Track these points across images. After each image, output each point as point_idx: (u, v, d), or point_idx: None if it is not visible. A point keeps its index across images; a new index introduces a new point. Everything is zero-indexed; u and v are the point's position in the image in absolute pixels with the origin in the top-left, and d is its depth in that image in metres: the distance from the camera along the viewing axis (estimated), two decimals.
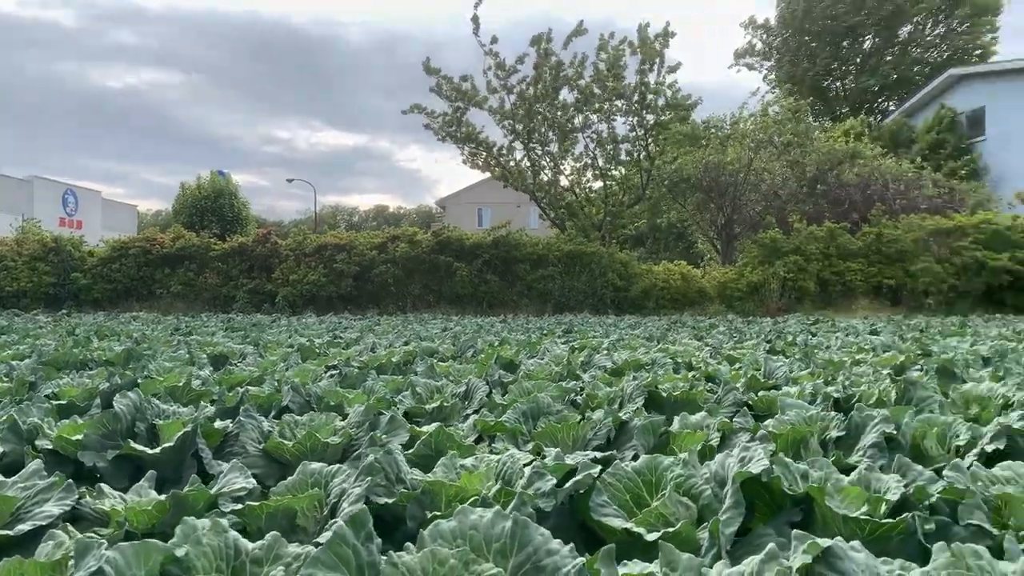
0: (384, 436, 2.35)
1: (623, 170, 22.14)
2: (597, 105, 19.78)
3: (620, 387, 3.61)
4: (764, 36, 39.51)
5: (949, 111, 26.58)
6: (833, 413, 2.67)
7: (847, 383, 4.03)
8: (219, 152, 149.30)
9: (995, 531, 1.61)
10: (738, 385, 4.09)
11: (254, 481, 1.82)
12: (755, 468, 1.66)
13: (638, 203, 22.52)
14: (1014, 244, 17.04)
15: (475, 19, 19.59)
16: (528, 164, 21.29)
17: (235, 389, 3.59)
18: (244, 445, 2.24)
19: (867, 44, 36.72)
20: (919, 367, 4.93)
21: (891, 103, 36.43)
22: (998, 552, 1.48)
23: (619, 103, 19.98)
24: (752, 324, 12.80)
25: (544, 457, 1.99)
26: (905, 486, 1.75)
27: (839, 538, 1.31)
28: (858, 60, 37.13)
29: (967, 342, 7.68)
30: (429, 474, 1.81)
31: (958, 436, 2.53)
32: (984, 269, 16.73)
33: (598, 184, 22.10)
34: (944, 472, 1.81)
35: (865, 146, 23.39)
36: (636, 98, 19.69)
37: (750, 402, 3.53)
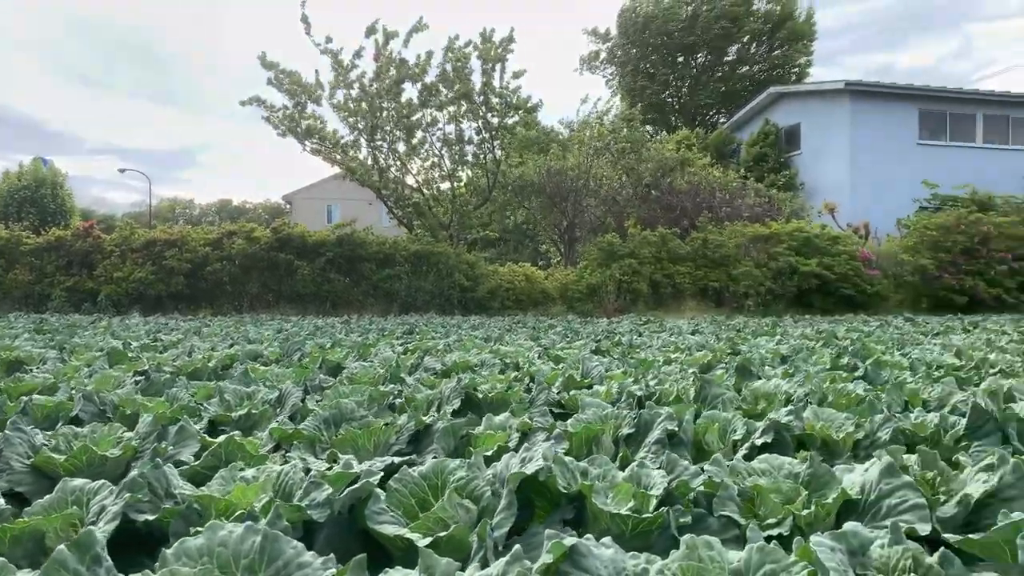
0: (171, 447, 2.25)
1: (470, 172, 22.34)
2: (440, 101, 19.84)
3: (439, 389, 3.64)
4: (606, 46, 41.18)
5: (772, 126, 28.74)
6: (627, 411, 2.82)
7: (654, 381, 4.28)
8: (43, 138, 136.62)
9: (742, 521, 1.76)
10: (556, 385, 4.25)
11: (1, 501, 1.68)
12: (529, 468, 1.73)
13: (484, 205, 22.79)
14: (821, 251, 18.69)
15: (304, 19, 19.23)
16: (372, 161, 21.03)
17: (20, 399, 3.30)
18: (8, 461, 2.07)
19: (699, 60, 39.10)
20: (723, 365, 5.31)
21: (720, 116, 38.94)
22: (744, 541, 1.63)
23: (465, 105, 20.16)
24: (588, 324, 13.28)
25: (334, 466, 1.97)
26: (670, 481, 1.88)
27: (589, 536, 1.39)
28: (691, 75, 39.44)
29: (773, 341, 8.34)
30: (203, 488, 1.75)
31: (736, 431, 2.74)
32: (796, 273, 18.24)
33: (446, 185, 22.19)
34: (704, 466, 1.96)
35: (694, 155, 24.89)
36: (481, 100, 19.94)
37: (563, 401, 3.67)
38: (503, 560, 1.22)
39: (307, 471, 2.03)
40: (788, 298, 18.40)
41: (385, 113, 20.20)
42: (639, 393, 3.69)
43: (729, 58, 39.21)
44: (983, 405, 2.97)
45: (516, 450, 2.59)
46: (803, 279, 18.18)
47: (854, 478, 1.97)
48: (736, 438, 2.68)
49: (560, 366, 5.18)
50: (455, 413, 3.37)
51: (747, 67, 39.24)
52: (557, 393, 3.79)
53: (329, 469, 2.01)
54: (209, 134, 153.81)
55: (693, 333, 10.43)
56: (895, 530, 1.49)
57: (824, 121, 26.29)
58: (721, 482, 1.85)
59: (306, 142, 20.47)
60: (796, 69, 38.94)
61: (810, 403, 3.59)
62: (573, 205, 22.52)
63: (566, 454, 2.48)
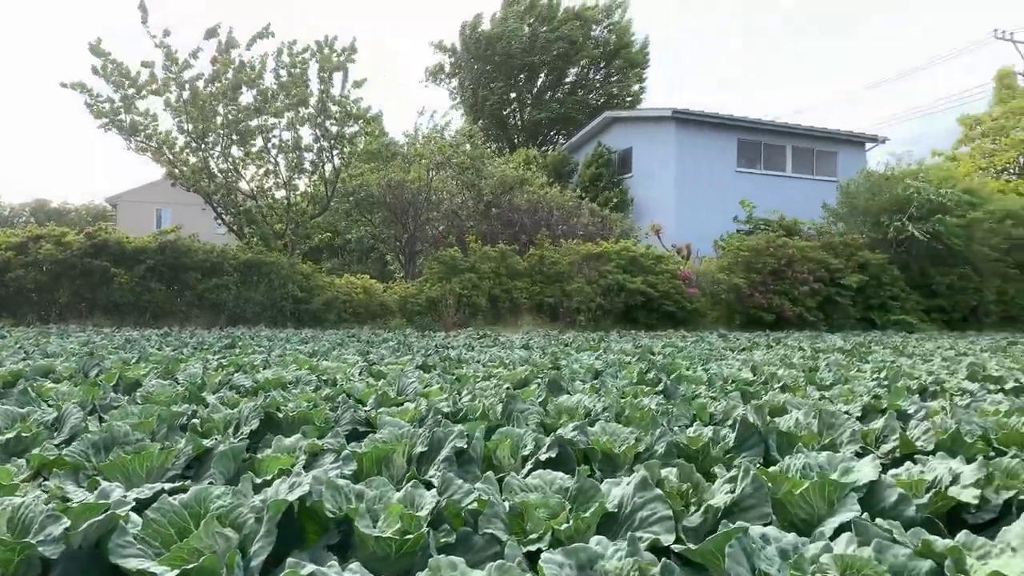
0: None
1: (308, 180, 21.81)
2: (275, 108, 19.29)
3: (239, 409, 3.53)
4: (451, 59, 41.63)
5: (604, 149, 30.09)
6: (423, 429, 2.86)
7: (467, 397, 4.36)
8: None
9: (504, 537, 1.83)
10: (369, 402, 4.23)
11: None
12: (293, 495, 1.72)
13: (323, 215, 22.31)
14: (646, 269, 19.75)
15: (142, 7, 18.13)
16: (203, 165, 20.06)
17: None
18: None
19: (540, 81, 40.35)
20: (539, 380, 5.49)
21: (560, 136, 40.32)
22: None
23: (303, 112, 19.72)
24: (425, 339, 13.30)
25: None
26: (441, 501, 1.93)
27: (333, 559, 1.40)
28: (532, 94, 40.61)
29: (594, 356, 8.72)
30: None
31: (526, 446, 2.86)
32: (623, 290, 19.16)
33: (282, 193, 21.51)
34: (476, 484, 2.03)
35: (534, 175, 25.62)
36: (319, 108, 19.59)
37: (370, 419, 3.66)
38: None
39: (65, 500, 1.91)
40: (616, 314, 19.28)
41: (220, 118, 19.37)
42: (447, 410, 3.75)
43: (569, 80, 40.71)
44: (750, 419, 3.26)
45: (307, 471, 2.58)
46: (630, 296, 19.12)
47: (617, 492, 2.11)
48: (525, 453, 2.79)
49: (379, 383, 5.16)
50: (253, 435, 3.28)
51: (585, 91, 40.92)
52: (366, 412, 3.77)
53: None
54: (19, 124, 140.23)
55: (524, 347, 10.70)
56: (632, 542, 1.61)
57: (653, 146, 27.87)
58: (488, 500, 1.92)
59: (131, 139, 19.21)
60: (631, 95, 41.07)
61: (605, 417, 3.80)
62: (414, 218, 22.50)
63: (355, 475, 2.48)
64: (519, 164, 27.15)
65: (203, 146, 19.74)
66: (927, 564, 1.60)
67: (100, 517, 1.58)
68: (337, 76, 19.79)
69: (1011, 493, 2.42)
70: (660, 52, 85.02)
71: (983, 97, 34.62)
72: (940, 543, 1.65)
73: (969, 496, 2.35)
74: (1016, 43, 36.11)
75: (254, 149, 20.18)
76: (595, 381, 5.58)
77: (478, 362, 7.68)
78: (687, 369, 6.74)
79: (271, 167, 20.77)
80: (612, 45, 39.47)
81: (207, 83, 19.03)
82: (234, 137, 19.73)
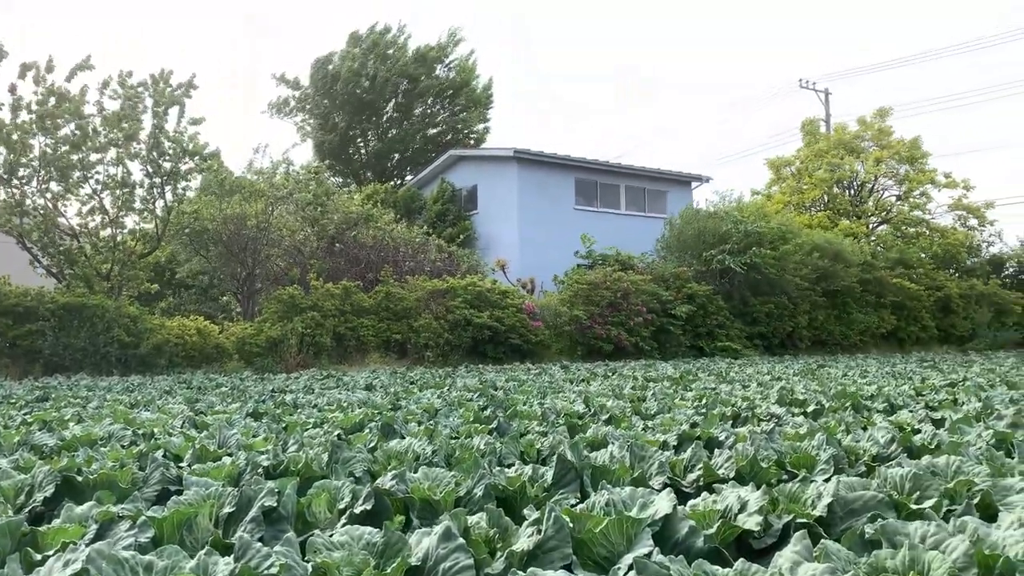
0: None
1: (137, 218, 20.55)
2: (98, 143, 18.16)
3: (32, 474, 3.26)
4: (296, 93, 40.82)
5: (448, 185, 30.46)
6: (231, 488, 2.76)
7: (294, 447, 4.24)
8: None
9: None
10: (187, 458, 4.02)
11: None
12: (65, 573, 1.62)
13: (152, 253, 21.07)
14: (492, 304, 20.05)
15: None
16: (14, 202, 18.46)
17: None
18: None
19: (385, 118, 40.32)
20: (374, 423, 5.43)
21: (407, 173, 40.38)
22: None
23: (134, 147, 18.68)
24: (263, 382, 12.79)
25: None
26: (237, 568, 1.87)
27: None
28: (380, 131, 40.50)
29: (437, 394, 8.73)
30: None
31: (343, 499, 2.82)
32: (470, 325, 19.34)
33: (108, 232, 20.12)
34: (275, 547, 1.99)
35: (379, 211, 25.46)
36: (151, 143, 18.65)
37: (183, 478, 3.48)
38: None
39: None
40: (464, 348, 19.39)
41: (35, 152, 17.96)
42: (267, 463, 3.63)
43: (415, 117, 40.98)
44: (567, 457, 3.39)
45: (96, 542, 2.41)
46: (477, 330, 19.32)
47: (423, 544, 2.13)
48: (342, 506, 2.76)
49: (201, 435, 4.92)
50: (48, 502, 3.04)
51: (431, 128, 41.30)
52: (179, 468, 3.59)
53: None
54: None
55: (367, 388, 10.53)
56: None
57: (497, 184, 28.50)
58: (287, 563, 1.89)
59: None
60: (475, 134, 41.86)
61: (434, 461, 3.82)
62: (252, 255, 21.70)
63: (155, 541, 2.35)
64: (365, 199, 26.91)
65: (14, 181, 18.19)
66: None
67: None
68: (173, 111, 18.95)
69: (790, 517, 2.66)
70: (504, 91, 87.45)
71: (794, 139, 38.14)
72: (710, 573, 1.78)
73: (753, 523, 2.56)
74: (817, 92, 40.20)
75: (73, 184, 18.80)
76: (431, 422, 5.59)
77: (314, 406, 7.49)
78: (524, 404, 6.90)
79: (96, 204, 19.43)
80: (455, 83, 40.16)
81: (12, 111, 17.64)
82: (52, 171, 18.32)
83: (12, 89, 17.50)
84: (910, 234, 33.99)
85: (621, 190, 29.71)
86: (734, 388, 8.90)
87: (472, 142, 40.17)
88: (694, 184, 31.70)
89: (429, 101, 40.69)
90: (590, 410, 6.44)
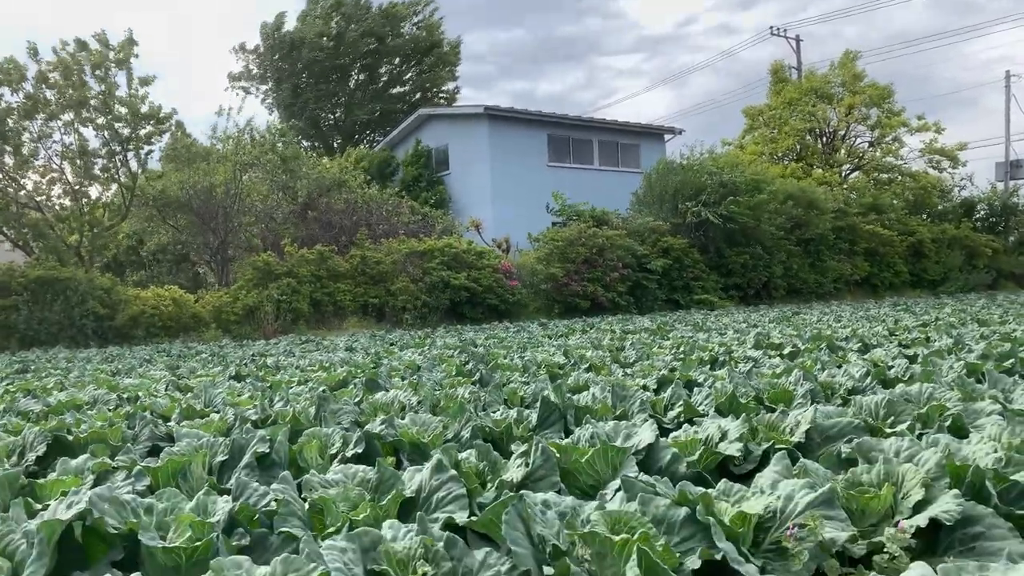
0: None
1: (101, 186, 20.19)
2: (51, 111, 17.74)
3: (23, 435, 3.27)
4: (257, 61, 39.91)
5: (424, 148, 30.12)
6: (224, 438, 2.80)
7: (280, 403, 4.28)
8: None
9: (301, 534, 1.85)
10: (174, 417, 4.04)
11: None
12: (68, 514, 1.65)
13: (120, 223, 20.76)
14: (469, 265, 20.05)
15: None
16: None
17: None
18: None
19: (353, 80, 39.66)
20: (358, 380, 5.47)
21: (377, 135, 39.86)
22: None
23: (85, 113, 18.24)
24: (242, 348, 12.78)
25: None
26: (236, 506, 1.92)
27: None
28: (347, 94, 39.85)
29: (418, 352, 8.79)
30: None
31: (334, 445, 2.87)
32: (448, 287, 19.34)
33: (70, 201, 19.77)
34: (272, 485, 2.04)
35: (351, 175, 25.17)
36: (103, 108, 18.21)
37: (172, 433, 3.51)
38: None
39: None
40: (443, 310, 19.42)
41: None
42: (254, 417, 3.67)
43: (382, 78, 40.34)
44: (551, 399, 3.46)
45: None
46: (455, 292, 19.33)
47: (416, 478, 2.19)
48: (333, 452, 2.81)
49: (185, 396, 4.94)
50: (40, 460, 3.06)
51: (399, 88, 40.70)
52: (168, 427, 3.61)
53: None
54: None
55: (347, 350, 10.57)
56: (421, 521, 1.69)
57: (468, 143, 28.25)
58: (284, 499, 1.93)
59: None
60: (445, 93, 41.38)
61: (420, 410, 3.88)
62: (224, 223, 21.43)
63: (150, 490, 2.39)
64: (344, 165, 26.57)
65: None
66: (683, 511, 1.80)
67: None
68: (121, 74, 18.49)
69: (769, 444, 2.76)
70: (476, 44, 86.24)
71: (763, 89, 37.92)
72: (694, 491, 1.86)
73: (734, 450, 2.65)
74: (788, 39, 39.97)
75: (28, 154, 18.38)
76: (413, 377, 5.65)
77: (297, 367, 7.52)
78: (504, 358, 6.97)
79: (56, 175, 19.05)
80: (422, 42, 39.51)
81: None
82: (5, 145, 17.89)
83: None
84: (883, 180, 34.25)
85: (594, 145, 29.61)
86: (711, 336, 9.04)
87: (443, 102, 39.72)
88: (667, 136, 31.66)
89: (396, 61, 40.03)
90: (570, 361, 6.52)
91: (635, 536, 1.55)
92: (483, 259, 20.54)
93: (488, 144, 27.10)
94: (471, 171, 28.02)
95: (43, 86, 17.81)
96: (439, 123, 30.16)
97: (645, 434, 2.51)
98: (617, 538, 1.55)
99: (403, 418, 3.37)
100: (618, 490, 2.14)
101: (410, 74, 40.70)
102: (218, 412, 3.98)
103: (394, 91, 40.41)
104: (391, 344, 11.38)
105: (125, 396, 5.14)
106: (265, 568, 1.46)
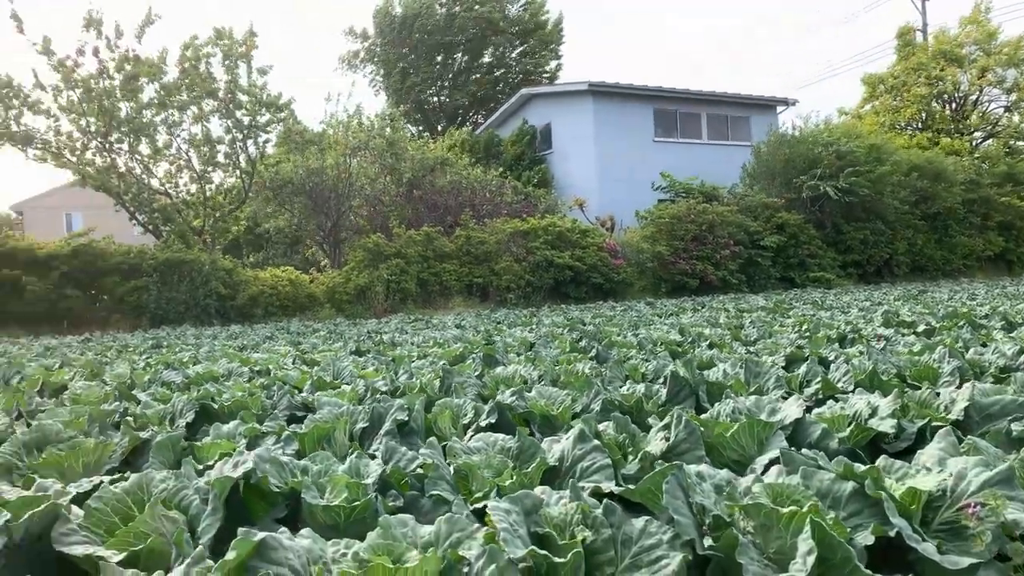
0: None
1: (223, 173, 21.23)
2: (182, 101, 18.72)
3: (172, 403, 3.46)
4: (365, 45, 40.89)
5: (529, 127, 30.13)
6: (363, 407, 2.87)
7: (404, 376, 4.37)
8: None
9: (451, 497, 1.87)
10: (305, 388, 4.19)
11: None
12: (238, 471, 1.72)
13: (240, 207, 21.78)
14: (573, 244, 19.97)
15: (15, 16, 17.34)
16: (111, 164, 19.30)
17: None
18: None
19: (458, 62, 40.07)
20: (475, 355, 5.53)
21: (479, 117, 40.19)
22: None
23: (210, 103, 19.17)
24: (356, 326, 13.18)
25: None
26: (387, 469, 1.96)
27: (284, 531, 1.42)
28: (451, 76, 40.31)
29: (526, 330, 8.82)
30: None
31: (466, 415, 2.90)
32: (552, 266, 19.34)
33: (196, 187, 20.89)
34: (420, 450, 2.07)
35: (456, 155, 25.47)
36: (228, 98, 19.09)
37: (308, 403, 3.64)
38: (185, 563, 1.22)
39: None
40: (546, 290, 19.45)
41: (123, 113, 18.64)
42: (384, 388, 3.76)
43: (486, 60, 40.58)
44: (681, 374, 3.38)
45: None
46: (558, 271, 19.31)
47: (557, 447, 2.17)
48: (466, 421, 2.84)
49: (313, 370, 5.11)
50: (189, 427, 3.23)
51: (502, 70, 40.84)
52: (303, 397, 3.75)
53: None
54: None
55: (457, 327, 10.73)
56: (573, 488, 1.67)
57: (572, 120, 28.03)
58: (433, 463, 1.96)
59: (28, 149, 18.33)
60: (547, 72, 41.21)
61: (543, 384, 3.87)
62: (335, 206, 22.14)
63: (297, 455, 2.48)
64: (451, 145, 26.94)
65: (107, 145, 18.98)
66: (849, 486, 1.71)
67: (40, 508, 1.55)
68: (243, 65, 19.28)
69: (924, 421, 2.59)
70: (575, 28, 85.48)
71: (886, 55, 35.79)
72: (860, 466, 1.76)
73: (886, 426, 2.50)
74: None
75: (160, 144, 19.51)
76: (529, 353, 5.66)
77: (412, 344, 7.68)
78: (617, 336, 6.89)
79: (183, 162, 20.15)
80: (527, 23, 39.45)
81: (93, 78, 18.28)
82: (143, 135, 19.05)
83: (96, 52, 18.07)
84: (1020, 148, 31.78)
85: (702, 119, 28.80)
86: (834, 314, 8.66)
87: (545, 81, 39.57)
88: (779, 108, 30.39)
89: (500, 42, 40.17)
90: (688, 339, 6.38)
91: (804, 508, 1.48)
92: (587, 237, 20.41)
93: (592, 120, 26.79)
94: (574, 149, 27.82)
95: (176, 78, 18.78)
96: (542, 102, 30.05)
97: (791, 409, 2.41)
98: (785, 510, 1.48)
99: (529, 391, 3.37)
100: (769, 465, 2.06)
101: (513, 55, 40.75)
102: (347, 384, 4.10)
103: (497, 73, 40.57)
104: (498, 323, 11.47)
105: (256, 369, 5.37)
106: (429, 527, 1.48)
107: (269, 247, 28.51)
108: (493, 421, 2.71)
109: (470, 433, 2.70)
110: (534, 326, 9.87)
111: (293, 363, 5.88)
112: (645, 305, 15.06)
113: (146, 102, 18.78)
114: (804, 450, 2.28)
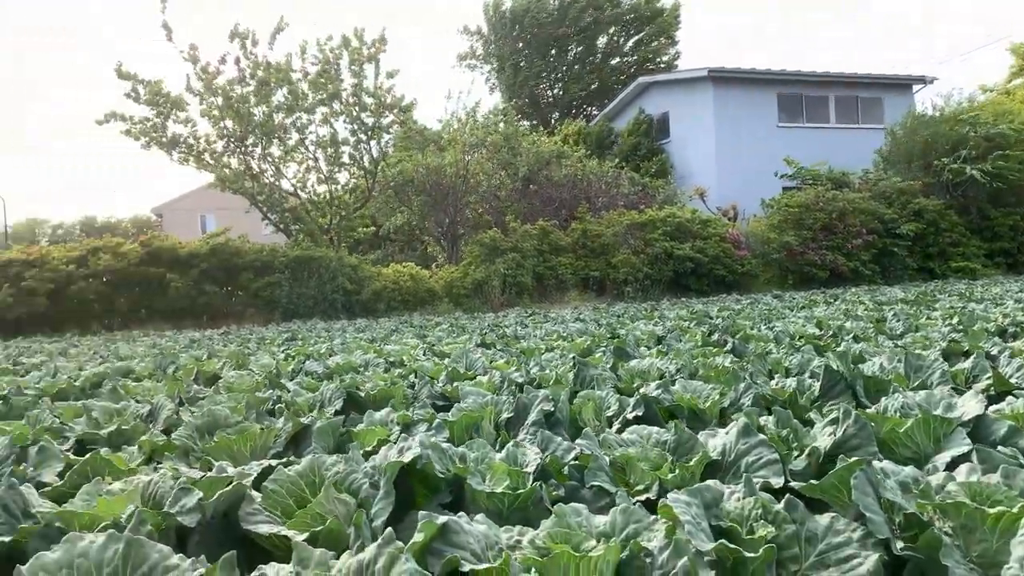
0: (32, 469, 2.13)
1: (348, 173, 22.04)
2: (308, 104, 19.52)
3: (320, 392, 3.60)
4: (481, 42, 41.41)
5: (645, 116, 29.66)
6: (506, 397, 2.88)
7: (535, 368, 4.37)
8: None
9: (613, 489, 1.84)
10: (440, 379, 4.27)
11: None
12: (406, 457, 1.75)
13: (364, 206, 22.54)
14: (694, 235, 19.50)
15: (165, 26, 18.52)
16: (245, 167, 20.40)
17: None
18: None
19: (571, 54, 39.93)
20: (602, 349, 5.48)
21: (594, 108, 39.91)
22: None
23: (336, 106, 19.90)
24: (475, 320, 13.37)
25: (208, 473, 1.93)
26: (544, 458, 1.95)
27: (480, 515, 1.43)
28: (564, 68, 40.23)
29: (650, 324, 8.66)
30: (67, 504, 1.67)
31: (610, 407, 2.86)
32: (671, 258, 18.96)
33: (324, 188, 21.79)
34: (577, 441, 2.04)
35: (571, 148, 25.40)
36: (352, 101, 19.77)
37: (446, 393, 3.70)
38: (375, 544, 1.24)
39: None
40: (665, 282, 19.08)
41: (257, 118, 19.67)
42: (520, 380, 3.77)
43: (600, 50, 40.23)
44: (835, 367, 3.21)
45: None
46: (678, 263, 18.91)
47: (716, 441, 2.10)
48: (610, 414, 2.80)
49: (445, 361, 5.20)
50: (337, 414, 3.34)
51: (617, 59, 40.39)
52: (441, 387, 3.81)
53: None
54: (63, 152, 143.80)
55: (577, 320, 10.68)
56: (748, 483, 1.60)
57: (690, 108, 27.38)
58: (592, 454, 1.93)
59: (173, 152, 19.65)
60: (664, 61, 40.43)
61: (681, 377, 3.78)
62: (454, 203, 22.54)
63: (447, 442, 2.51)
64: (564, 138, 26.91)
65: (242, 148, 20.06)
66: None
67: (228, 489, 1.63)
68: (369, 68, 19.89)
69: None
70: (692, 14, 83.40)
71: None
72: None
73: None
74: None
75: (291, 145, 20.44)
76: (659, 346, 5.55)
77: (536, 336, 7.70)
78: (750, 329, 6.66)
79: (311, 163, 21.04)
80: (642, 11, 38.83)
81: (232, 84, 19.32)
82: (274, 137, 20.02)
83: (237, 61, 19.14)
84: None
85: (830, 101, 27.47)
86: (987, 306, 8.06)
87: (662, 69, 38.84)
88: (915, 87, 28.57)
89: (614, 31, 39.72)
90: (826, 332, 6.08)
91: (1015, 509, 1.36)
92: (709, 228, 19.89)
93: (712, 107, 26.08)
94: (693, 137, 27.18)
95: (305, 82, 19.63)
96: (658, 90, 29.52)
97: (971, 404, 2.24)
98: (992, 510, 1.36)
99: (671, 384, 3.29)
100: (951, 463, 1.91)
101: (628, 44, 40.22)
102: (483, 375, 4.14)
103: (613, 63, 40.15)
104: (618, 316, 11.34)
105: (390, 360, 5.52)
106: (603, 517, 1.45)
107: (387, 245, 29.38)
108: (640, 414, 2.65)
109: (617, 425, 2.66)
110: (657, 319, 9.69)
111: (424, 355, 6.01)
112: (772, 298, 14.52)
113: (275, 105, 19.71)
114: (998, 448, 2.11)
